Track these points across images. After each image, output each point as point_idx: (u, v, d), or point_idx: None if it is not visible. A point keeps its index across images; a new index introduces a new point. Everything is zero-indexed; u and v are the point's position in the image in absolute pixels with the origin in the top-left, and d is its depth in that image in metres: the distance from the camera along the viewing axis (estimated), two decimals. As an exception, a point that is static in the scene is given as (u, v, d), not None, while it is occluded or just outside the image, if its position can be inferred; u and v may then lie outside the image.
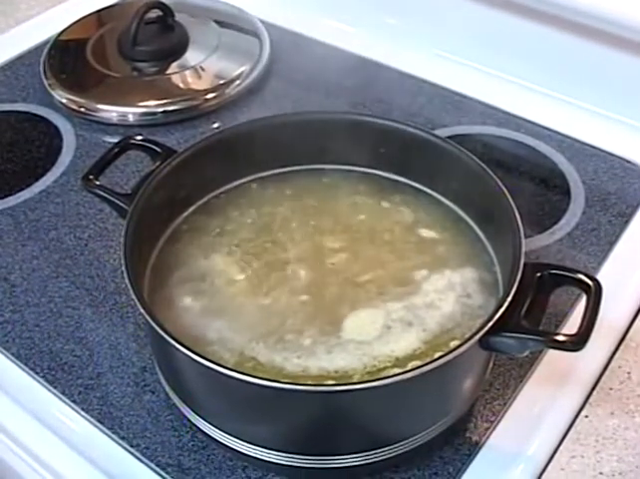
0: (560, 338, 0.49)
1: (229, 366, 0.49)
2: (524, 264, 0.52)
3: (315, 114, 0.66)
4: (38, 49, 0.93)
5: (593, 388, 0.60)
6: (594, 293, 0.51)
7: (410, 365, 0.52)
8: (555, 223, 0.72)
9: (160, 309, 0.55)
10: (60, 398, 0.60)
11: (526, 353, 0.52)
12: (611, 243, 0.70)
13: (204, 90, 0.85)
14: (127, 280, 0.52)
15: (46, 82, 0.87)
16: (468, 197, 0.61)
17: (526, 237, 0.54)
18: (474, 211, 0.62)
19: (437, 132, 0.71)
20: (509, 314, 0.50)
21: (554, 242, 0.70)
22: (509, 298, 0.50)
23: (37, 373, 0.62)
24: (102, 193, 0.60)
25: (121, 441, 0.58)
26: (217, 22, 0.93)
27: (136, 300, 0.51)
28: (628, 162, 0.78)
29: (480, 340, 0.49)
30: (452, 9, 0.87)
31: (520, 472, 0.55)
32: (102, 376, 0.61)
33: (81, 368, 0.62)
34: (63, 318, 0.65)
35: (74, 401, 0.60)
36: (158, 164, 0.61)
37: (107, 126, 0.83)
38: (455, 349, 0.48)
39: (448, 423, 0.54)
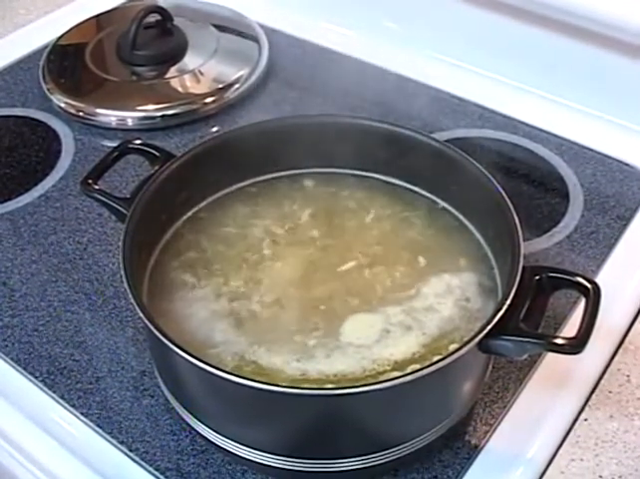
0: (559, 341, 0.49)
1: (228, 370, 0.49)
2: (523, 268, 0.52)
3: (314, 117, 0.66)
4: (37, 53, 0.93)
5: (592, 391, 0.60)
6: (593, 296, 0.51)
7: (409, 369, 0.52)
8: (554, 226, 0.72)
9: (159, 313, 0.55)
10: (59, 402, 0.60)
11: (525, 356, 0.52)
12: (610, 246, 0.70)
13: (203, 94, 0.85)
14: (125, 284, 0.52)
15: (45, 86, 0.87)
16: (466, 200, 0.61)
17: (525, 240, 0.54)
18: (472, 214, 0.62)
19: (435, 135, 0.71)
20: (508, 317, 0.50)
21: (553, 246, 0.70)
22: (508, 301, 0.50)
23: (36, 377, 0.62)
24: (101, 197, 0.60)
25: (120, 445, 0.58)
26: (216, 26, 0.93)
27: (134, 304, 0.51)
28: (626, 165, 0.78)
29: (479, 343, 0.49)
30: (450, 12, 0.87)
31: (520, 475, 0.55)
32: (101, 380, 0.61)
33: (80, 373, 0.62)
34: (62, 323, 0.65)
35: (73, 406, 0.60)
36: (156, 168, 0.61)
37: (106, 130, 0.83)
38: (454, 353, 0.48)
39: (447, 426, 0.54)
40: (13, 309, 0.66)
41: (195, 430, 0.56)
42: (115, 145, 0.64)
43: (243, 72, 0.87)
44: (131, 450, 0.57)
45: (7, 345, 0.64)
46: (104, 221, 0.73)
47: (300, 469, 0.53)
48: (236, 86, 0.86)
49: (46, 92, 0.86)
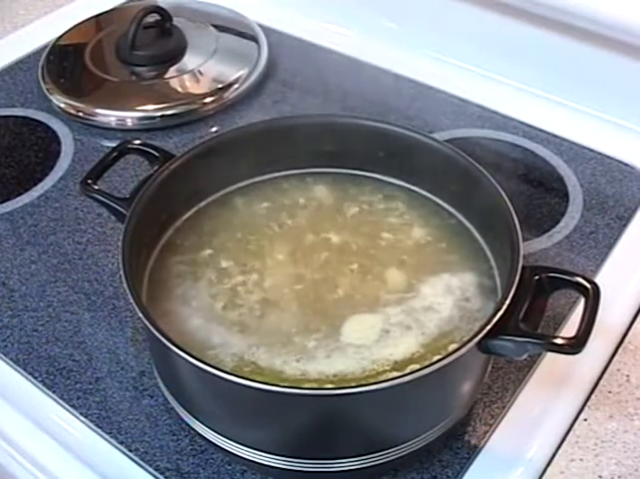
0: (559, 341, 0.49)
1: (227, 370, 0.49)
2: (523, 268, 0.52)
3: (313, 117, 0.66)
4: (36, 54, 0.93)
5: (592, 391, 0.60)
6: (592, 296, 0.51)
7: (408, 369, 0.52)
8: (554, 226, 0.72)
9: (159, 314, 0.55)
10: (58, 403, 0.60)
11: (525, 356, 0.52)
12: (609, 246, 0.70)
13: (203, 94, 0.85)
14: (125, 285, 0.52)
15: (44, 86, 0.87)
16: (466, 200, 0.61)
17: (525, 240, 0.54)
18: (472, 214, 0.62)
19: (435, 135, 0.71)
20: (508, 317, 0.50)
21: (553, 246, 0.70)
22: (508, 301, 0.50)
23: (35, 378, 0.62)
24: (100, 197, 0.60)
25: (119, 445, 0.58)
26: (215, 26, 0.93)
27: (134, 304, 0.51)
28: (626, 165, 0.78)
29: (478, 343, 0.49)
30: (450, 13, 0.87)
31: (520, 475, 0.55)
32: (100, 381, 0.61)
33: (79, 373, 0.62)
34: (61, 323, 0.65)
35: (72, 406, 0.60)
36: (156, 168, 0.61)
37: (105, 130, 0.83)
38: (453, 353, 0.48)
39: (446, 426, 0.54)
40: (12, 310, 0.66)
41: (195, 430, 0.56)
42: (114, 145, 0.64)
43: (243, 72, 0.87)
44: (130, 450, 0.57)
45: (6, 346, 0.64)
46: (103, 221, 0.73)
47: (300, 469, 0.53)
48: (235, 86, 0.86)
49: (45, 92, 0.86)
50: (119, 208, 0.59)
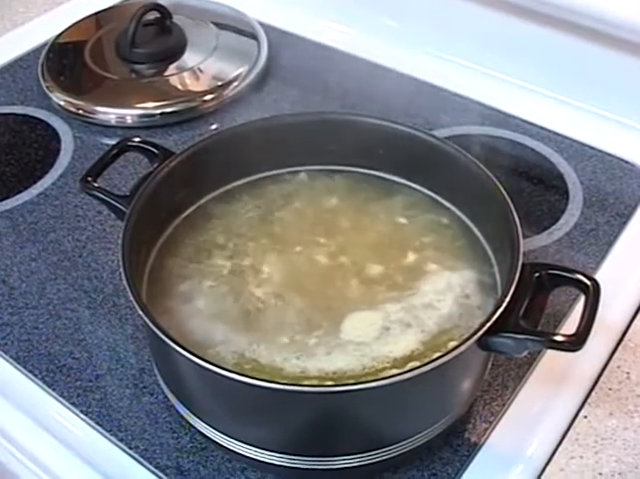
0: (559, 339, 0.49)
1: (227, 367, 0.49)
2: (523, 265, 0.52)
3: (313, 115, 0.66)
4: (36, 51, 0.93)
5: (592, 389, 0.60)
6: (593, 293, 0.51)
7: (408, 366, 0.52)
8: (554, 223, 0.72)
9: (159, 311, 0.55)
10: (58, 400, 0.60)
11: (525, 354, 0.52)
12: (609, 244, 0.70)
13: (202, 91, 0.85)
14: (125, 282, 0.52)
15: (44, 84, 0.87)
16: (466, 197, 0.61)
17: (525, 237, 0.54)
18: (472, 211, 0.62)
19: (435, 132, 0.71)
20: (508, 315, 0.50)
21: (553, 243, 0.70)
22: (508, 299, 0.50)
23: (35, 376, 0.62)
24: (100, 194, 0.60)
25: (119, 443, 0.58)
26: (215, 24, 0.93)
27: (134, 302, 0.51)
28: (626, 162, 0.78)
29: (478, 341, 0.49)
30: (451, 10, 0.87)
31: (520, 473, 0.55)
32: (100, 378, 0.61)
33: (79, 370, 0.62)
34: (61, 320, 0.65)
35: (72, 403, 0.60)
36: (155, 165, 0.61)
37: (105, 128, 0.83)
38: (453, 350, 0.48)
39: (446, 424, 0.54)
40: (12, 307, 0.66)
41: (195, 428, 0.56)
42: (114, 142, 0.64)
43: (242, 69, 0.87)
44: (130, 448, 0.57)
45: (6, 343, 0.64)
46: (103, 218, 0.73)
47: (300, 466, 0.53)
48: (235, 83, 0.86)
49: (45, 90, 0.86)
50: (119, 205, 0.58)
